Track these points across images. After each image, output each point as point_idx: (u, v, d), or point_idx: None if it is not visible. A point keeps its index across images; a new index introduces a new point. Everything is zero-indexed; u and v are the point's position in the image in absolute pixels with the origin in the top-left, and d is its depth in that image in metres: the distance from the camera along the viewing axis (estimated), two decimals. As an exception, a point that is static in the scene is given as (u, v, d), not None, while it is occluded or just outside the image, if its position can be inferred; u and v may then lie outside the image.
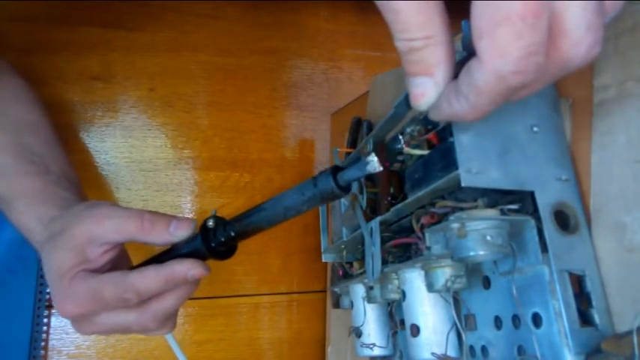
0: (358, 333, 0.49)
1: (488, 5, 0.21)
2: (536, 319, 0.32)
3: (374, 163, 0.29)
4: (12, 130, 0.46)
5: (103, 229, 0.38)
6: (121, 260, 0.42)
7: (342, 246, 0.53)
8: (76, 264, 0.37)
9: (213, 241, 0.39)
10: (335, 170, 0.32)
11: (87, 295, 0.37)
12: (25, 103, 0.50)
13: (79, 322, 0.39)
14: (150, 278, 0.37)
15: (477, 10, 0.21)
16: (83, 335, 0.59)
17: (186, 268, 0.37)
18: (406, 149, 0.39)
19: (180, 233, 0.38)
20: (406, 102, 0.31)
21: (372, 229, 0.43)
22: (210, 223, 0.39)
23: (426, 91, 0.25)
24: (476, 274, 0.38)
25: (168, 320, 0.41)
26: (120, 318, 0.38)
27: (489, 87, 0.22)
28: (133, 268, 0.42)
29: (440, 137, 0.36)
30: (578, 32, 0.21)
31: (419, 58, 0.23)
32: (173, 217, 0.39)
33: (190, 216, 0.67)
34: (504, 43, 0.21)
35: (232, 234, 0.38)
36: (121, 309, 0.38)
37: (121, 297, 0.37)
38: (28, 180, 0.43)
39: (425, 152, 0.37)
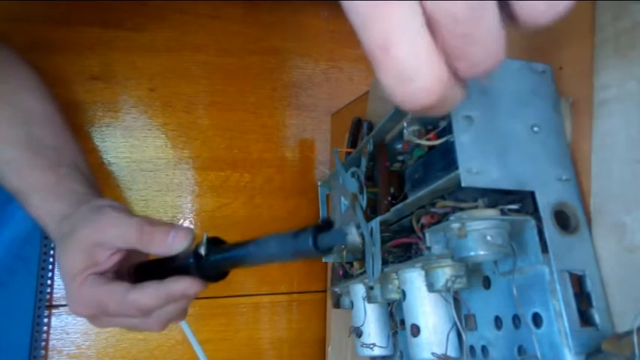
0: (358, 333, 0.49)
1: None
2: (537, 319, 0.32)
3: (354, 236, 0.30)
4: (23, 123, 0.46)
5: (107, 237, 0.39)
6: (133, 256, 0.43)
7: (343, 246, 0.53)
8: (86, 267, 0.39)
9: (205, 265, 0.40)
10: (317, 230, 0.32)
11: (93, 302, 0.39)
12: (36, 94, 0.50)
13: (91, 319, 0.41)
14: (150, 296, 0.38)
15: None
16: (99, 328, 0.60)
17: (183, 287, 0.39)
18: (408, 136, 0.38)
19: (178, 245, 0.39)
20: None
21: (372, 229, 0.43)
22: (202, 250, 0.39)
23: None
24: (476, 274, 0.38)
25: (174, 320, 0.42)
26: (124, 322, 0.40)
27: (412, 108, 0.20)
28: (138, 270, 0.43)
29: (440, 137, 0.36)
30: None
31: None
32: (172, 226, 0.40)
33: (191, 216, 0.67)
34: (389, 86, 0.19)
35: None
36: (125, 316, 0.39)
37: (123, 312, 0.38)
38: (41, 174, 0.44)
39: (435, 142, 0.36)
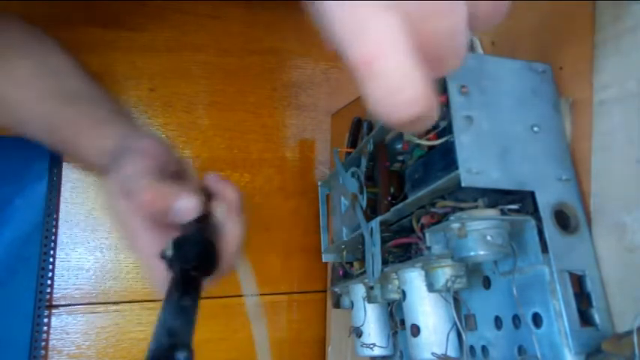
0: (358, 333, 0.49)
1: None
2: (537, 319, 0.32)
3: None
4: (55, 77, 0.47)
5: (130, 185, 0.37)
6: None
7: (342, 246, 0.53)
8: (127, 211, 0.37)
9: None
10: None
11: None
12: (63, 54, 0.50)
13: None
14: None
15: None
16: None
17: None
18: (408, 136, 0.38)
19: (181, 219, 0.36)
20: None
21: (372, 229, 0.43)
22: (168, 252, 0.33)
23: None
24: (476, 274, 0.38)
25: None
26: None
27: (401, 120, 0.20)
28: None
29: (440, 137, 0.36)
30: None
31: None
32: (180, 197, 0.36)
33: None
34: (379, 99, 0.20)
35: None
36: None
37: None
38: (80, 120, 0.44)
39: (435, 142, 0.37)
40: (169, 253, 0.33)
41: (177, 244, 0.33)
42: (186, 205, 0.36)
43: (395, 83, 0.19)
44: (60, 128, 0.44)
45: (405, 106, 0.20)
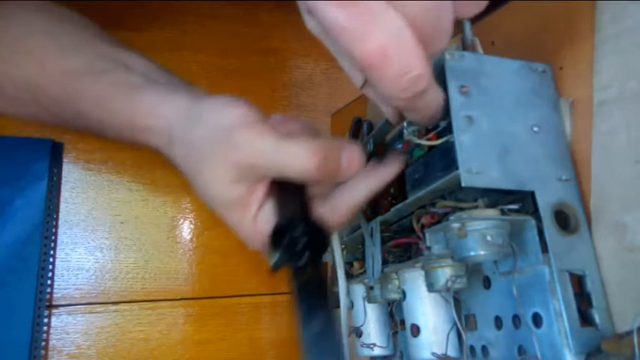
0: (358, 333, 0.49)
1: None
2: (537, 319, 0.32)
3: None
4: (77, 50, 0.44)
5: (259, 166, 0.34)
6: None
7: (343, 246, 0.53)
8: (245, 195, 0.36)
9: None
10: None
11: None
12: (82, 25, 0.48)
13: None
14: None
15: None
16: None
17: None
18: (408, 136, 0.38)
19: (349, 174, 0.34)
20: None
21: (372, 229, 0.43)
22: (272, 260, 0.33)
23: None
24: (476, 274, 0.38)
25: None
26: None
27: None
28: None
29: (440, 137, 0.36)
30: None
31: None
32: (342, 149, 0.33)
33: (192, 216, 0.67)
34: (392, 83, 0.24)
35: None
36: None
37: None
38: (142, 94, 0.41)
39: (435, 142, 0.36)
40: (275, 259, 0.33)
41: (279, 241, 0.33)
42: (354, 155, 0.34)
43: (406, 63, 0.23)
44: (93, 104, 0.41)
45: (416, 81, 0.23)
